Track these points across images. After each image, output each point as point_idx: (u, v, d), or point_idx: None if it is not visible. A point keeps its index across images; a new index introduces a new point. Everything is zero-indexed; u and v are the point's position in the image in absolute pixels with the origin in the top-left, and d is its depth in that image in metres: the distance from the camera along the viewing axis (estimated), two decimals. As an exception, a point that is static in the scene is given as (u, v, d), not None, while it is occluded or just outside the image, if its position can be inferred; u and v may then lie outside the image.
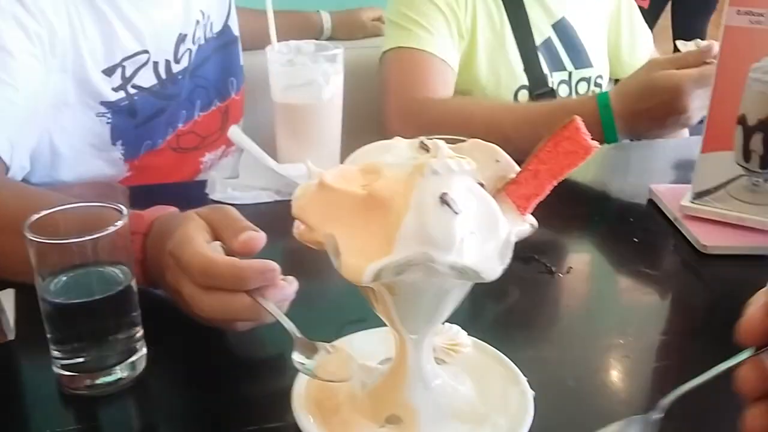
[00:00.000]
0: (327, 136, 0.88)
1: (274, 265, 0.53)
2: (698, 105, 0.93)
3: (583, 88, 1.24)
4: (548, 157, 0.43)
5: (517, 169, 0.46)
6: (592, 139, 0.42)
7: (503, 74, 1.16)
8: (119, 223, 0.51)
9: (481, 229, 0.42)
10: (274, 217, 0.82)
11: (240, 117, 1.08)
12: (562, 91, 1.21)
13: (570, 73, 1.22)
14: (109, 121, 0.88)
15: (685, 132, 1.32)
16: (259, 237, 0.56)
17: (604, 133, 0.97)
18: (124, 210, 0.53)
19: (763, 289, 0.39)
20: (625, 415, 0.45)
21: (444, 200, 0.40)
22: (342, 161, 0.48)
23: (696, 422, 0.51)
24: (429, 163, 0.41)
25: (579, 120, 0.42)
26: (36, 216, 0.51)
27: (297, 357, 0.51)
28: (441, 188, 0.41)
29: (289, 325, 0.53)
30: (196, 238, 0.54)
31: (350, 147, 0.49)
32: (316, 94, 0.85)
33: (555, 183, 0.44)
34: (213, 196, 0.85)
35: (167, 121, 0.95)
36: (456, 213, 0.40)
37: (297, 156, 0.88)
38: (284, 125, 0.88)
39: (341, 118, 0.89)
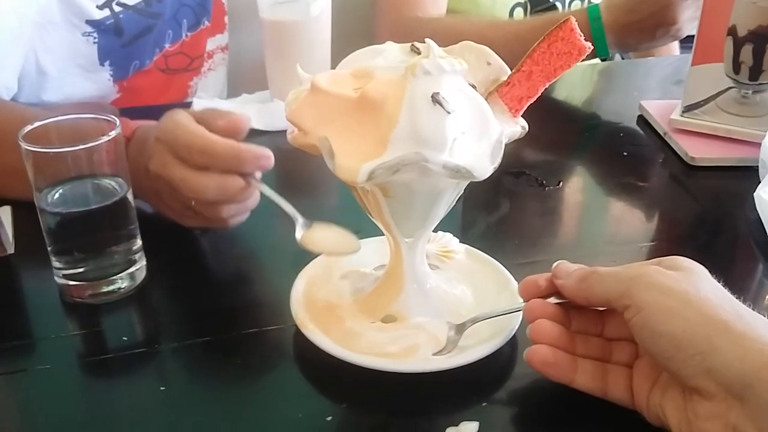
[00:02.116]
0: (316, 54, 0.87)
1: (270, 153, 0.54)
2: (688, 16, 0.92)
3: (576, 5, 1.22)
4: (542, 58, 0.43)
5: (509, 71, 0.46)
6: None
7: None
8: (113, 133, 0.51)
9: (472, 129, 0.42)
10: (265, 138, 0.83)
11: (222, 29, 1.06)
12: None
13: None
14: (96, 40, 0.87)
15: (675, 46, 1.32)
16: (242, 117, 0.56)
17: (595, 47, 0.96)
18: (117, 121, 0.53)
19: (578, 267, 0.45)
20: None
21: (436, 99, 0.41)
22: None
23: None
24: (421, 63, 0.42)
25: (573, 20, 0.42)
26: (30, 127, 0.51)
27: (298, 235, 0.52)
28: (433, 88, 0.41)
29: (288, 207, 0.54)
30: (188, 123, 0.55)
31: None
32: (304, 10, 0.84)
33: (547, 84, 0.44)
34: None
35: (154, 41, 0.93)
36: (448, 112, 0.41)
37: (285, 75, 0.88)
38: (272, 43, 0.87)
39: (330, 36, 0.88)
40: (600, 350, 0.45)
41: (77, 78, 0.88)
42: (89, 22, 0.85)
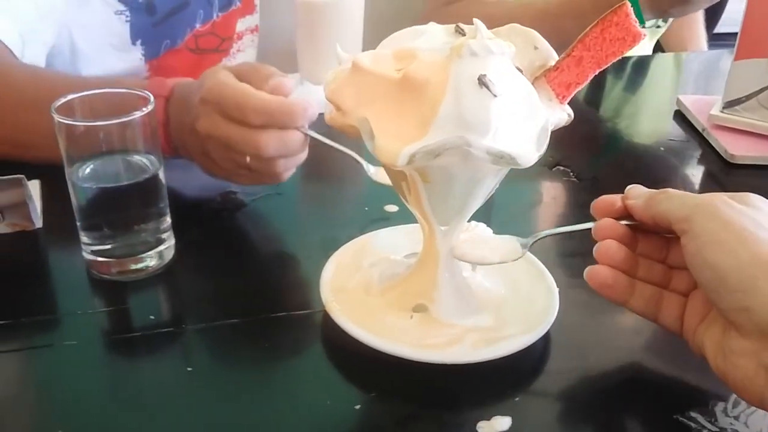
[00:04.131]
0: (348, 37, 0.86)
1: (313, 102, 0.56)
2: None
3: (650, 23, 1.19)
4: (594, 43, 0.42)
5: (556, 56, 0.44)
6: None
7: None
8: (146, 109, 0.50)
9: (518, 114, 0.41)
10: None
11: (252, 10, 1.05)
12: None
13: None
14: (128, 19, 0.86)
15: (704, 42, 1.29)
16: (288, 81, 0.57)
17: None
18: (151, 97, 0.52)
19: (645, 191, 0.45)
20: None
21: (482, 82, 0.39)
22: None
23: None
24: (468, 43, 0.40)
25: (629, 5, 0.41)
26: (63, 99, 0.50)
27: (371, 171, 0.58)
28: (479, 70, 0.39)
29: (347, 150, 0.58)
30: (233, 82, 0.55)
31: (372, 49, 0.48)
32: (337, -8, 0.83)
33: (597, 71, 0.42)
34: None
35: (186, 21, 0.93)
36: (494, 96, 0.39)
37: (316, 58, 0.86)
38: (304, 25, 0.86)
39: (362, 18, 0.86)
40: (660, 276, 0.45)
41: (110, 56, 0.87)
42: (122, 1, 0.84)
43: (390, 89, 0.41)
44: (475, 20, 0.42)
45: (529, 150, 0.40)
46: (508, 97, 0.40)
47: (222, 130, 0.55)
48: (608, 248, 0.44)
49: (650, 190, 0.45)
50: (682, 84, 1.06)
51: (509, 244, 0.48)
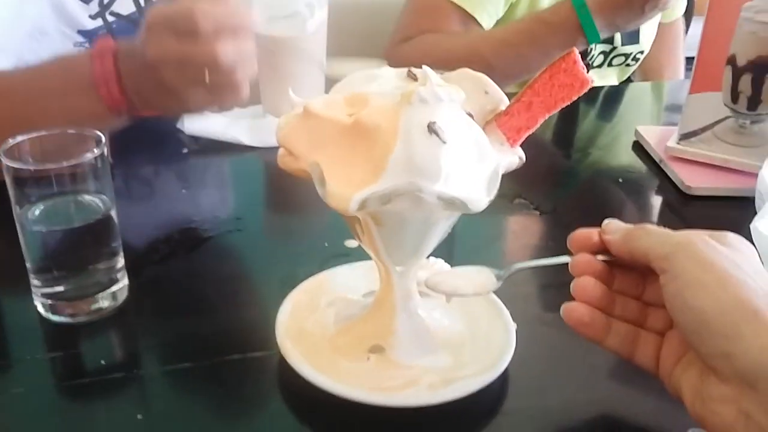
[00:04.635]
0: (310, 71, 0.86)
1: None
2: None
3: (618, 61, 1.21)
4: (543, 89, 0.42)
5: (506, 101, 0.45)
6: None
7: None
8: (97, 150, 0.50)
9: (469, 159, 0.41)
10: (256, 154, 0.82)
11: None
12: (597, 61, 1.19)
13: (614, 48, 1.18)
14: None
15: (681, 70, 1.31)
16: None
17: (586, 34, 0.93)
18: (103, 138, 0.51)
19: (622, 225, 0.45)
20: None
21: (432, 129, 0.39)
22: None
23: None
24: (417, 90, 0.40)
25: (576, 52, 0.41)
26: (12, 141, 0.50)
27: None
28: (429, 117, 0.40)
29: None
30: (175, 3, 0.56)
31: (334, 83, 0.48)
32: (299, 27, 0.83)
33: (547, 116, 0.43)
34: (185, 130, 0.84)
35: None
36: (444, 142, 0.39)
37: (279, 91, 0.86)
38: (266, 59, 0.86)
39: (325, 53, 0.87)
40: (636, 314, 0.45)
41: None
42: (81, 32, 0.84)
43: (341, 134, 0.42)
44: (425, 67, 0.42)
45: (480, 194, 0.41)
46: (457, 143, 0.40)
47: (175, 47, 0.54)
48: (585, 285, 0.44)
49: (627, 225, 0.45)
50: (644, 114, 1.07)
51: (483, 275, 0.48)
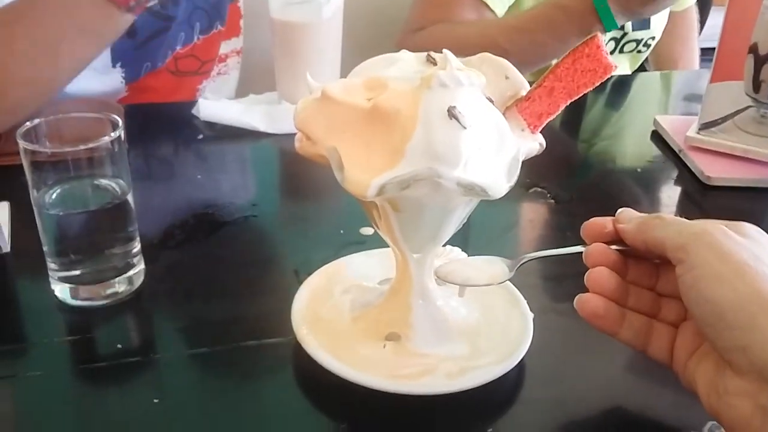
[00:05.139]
0: (326, 58, 0.86)
1: None
2: None
3: (629, 47, 1.19)
4: (565, 74, 0.41)
5: (527, 86, 0.44)
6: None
7: None
8: (114, 134, 0.50)
9: (489, 145, 0.40)
10: (272, 140, 0.81)
11: (237, 32, 1.05)
12: (608, 47, 1.17)
13: (624, 34, 1.17)
14: (112, 45, 0.85)
15: (697, 60, 1.29)
16: None
17: (602, 20, 0.92)
18: (120, 122, 0.51)
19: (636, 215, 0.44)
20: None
21: (452, 114, 0.39)
22: (342, 81, 0.47)
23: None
24: (437, 74, 0.40)
25: (600, 37, 0.40)
26: (29, 125, 0.50)
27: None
28: (449, 101, 0.39)
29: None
30: None
31: (350, 71, 0.47)
32: (315, 12, 0.82)
33: (569, 102, 0.42)
34: (201, 116, 0.83)
35: (167, 43, 0.92)
36: (464, 127, 0.39)
37: (294, 77, 0.86)
38: (282, 45, 0.86)
39: (341, 39, 0.86)
40: (649, 305, 0.44)
41: (90, 79, 0.86)
42: None
43: (360, 119, 0.41)
44: (445, 50, 0.42)
45: (500, 181, 0.40)
46: (478, 128, 0.40)
47: None
48: (600, 276, 0.43)
49: (642, 214, 0.44)
50: (662, 104, 1.06)
51: (495, 265, 0.48)
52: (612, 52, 1.19)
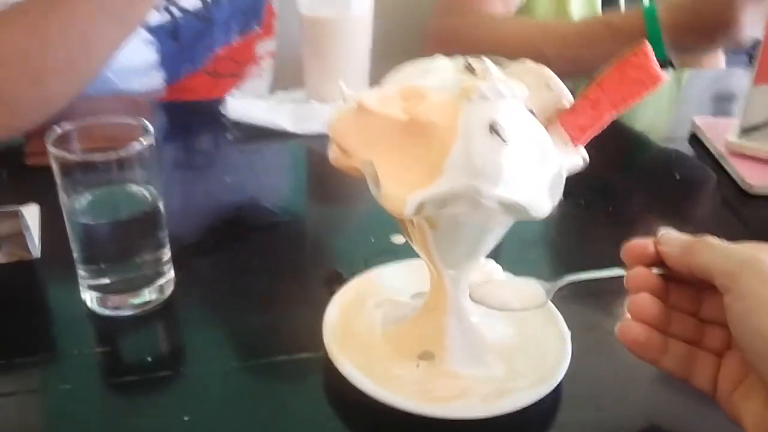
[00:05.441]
0: (355, 56, 0.84)
1: None
2: (751, 20, 0.86)
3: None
4: (611, 85, 0.39)
5: (570, 96, 0.42)
6: None
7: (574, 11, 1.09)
8: (146, 140, 0.49)
9: (531, 161, 0.39)
10: (300, 141, 0.80)
11: (271, 33, 1.04)
12: None
13: None
14: (158, 49, 0.86)
15: (721, 59, 1.26)
16: None
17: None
18: (150, 127, 0.50)
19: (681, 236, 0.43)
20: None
21: (493, 128, 0.37)
22: (370, 84, 0.45)
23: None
24: (478, 86, 0.38)
25: (649, 46, 0.38)
26: (59, 131, 0.49)
27: None
28: (490, 115, 0.38)
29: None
30: None
31: (379, 70, 0.46)
32: (344, 8, 0.81)
33: (615, 115, 0.40)
34: (229, 115, 0.82)
35: (207, 44, 0.92)
36: (505, 142, 0.37)
37: (322, 75, 0.85)
38: (310, 42, 0.84)
39: (371, 36, 0.84)
40: (692, 332, 0.43)
41: (131, 80, 0.87)
42: (150, 31, 0.84)
43: (397, 131, 0.40)
44: (486, 60, 0.40)
45: (543, 200, 0.39)
46: (519, 143, 0.38)
47: None
48: (642, 302, 0.42)
49: (685, 236, 0.42)
50: (696, 103, 1.03)
51: (531, 288, 0.46)
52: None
